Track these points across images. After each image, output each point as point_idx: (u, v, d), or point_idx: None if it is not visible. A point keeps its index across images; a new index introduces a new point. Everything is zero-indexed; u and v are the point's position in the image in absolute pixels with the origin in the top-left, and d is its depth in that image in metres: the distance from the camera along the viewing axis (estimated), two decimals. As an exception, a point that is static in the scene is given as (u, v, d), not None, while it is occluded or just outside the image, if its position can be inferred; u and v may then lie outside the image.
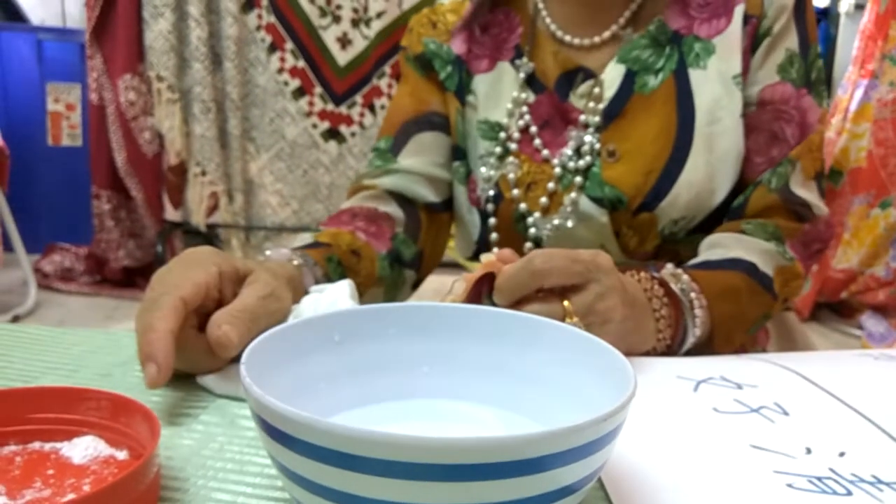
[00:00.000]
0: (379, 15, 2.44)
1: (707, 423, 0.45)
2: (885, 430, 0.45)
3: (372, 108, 2.53)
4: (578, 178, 0.72)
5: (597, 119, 0.72)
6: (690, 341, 0.61)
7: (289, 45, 2.46)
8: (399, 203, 0.78)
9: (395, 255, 0.75)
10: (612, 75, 0.72)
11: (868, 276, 2.47)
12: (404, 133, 0.80)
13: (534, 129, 0.74)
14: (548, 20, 0.76)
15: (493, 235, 0.76)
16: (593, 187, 0.71)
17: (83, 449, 0.38)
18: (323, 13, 2.44)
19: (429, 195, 0.79)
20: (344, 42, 2.47)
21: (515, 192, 0.74)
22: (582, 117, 0.73)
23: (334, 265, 0.66)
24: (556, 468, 0.28)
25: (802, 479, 0.39)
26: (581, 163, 0.72)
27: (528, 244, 0.75)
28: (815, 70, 0.74)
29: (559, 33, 0.75)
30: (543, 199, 0.73)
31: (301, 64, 2.48)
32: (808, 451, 0.42)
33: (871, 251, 2.45)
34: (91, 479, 0.36)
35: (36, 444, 0.39)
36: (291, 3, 2.43)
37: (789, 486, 0.38)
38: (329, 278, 0.64)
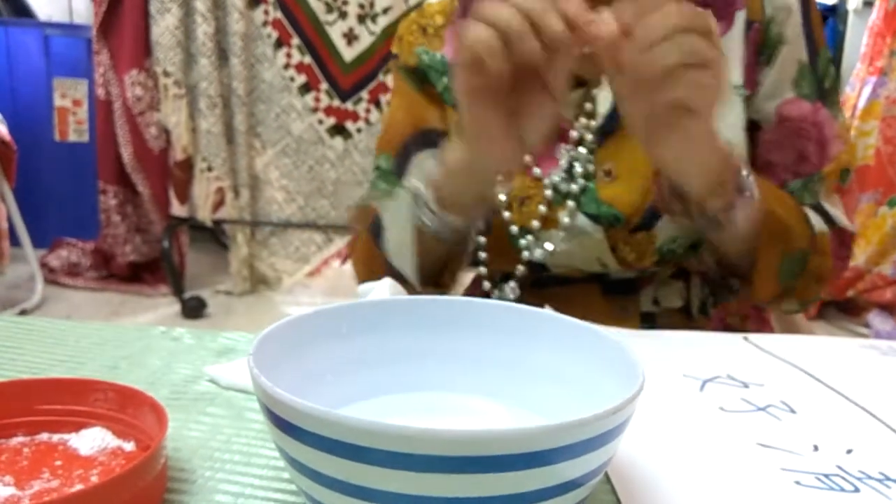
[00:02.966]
0: (385, 11, 2.44)
1: (714, 421, 0.45)
2: (892, 427, 0.45)
3: (378, 104, 2.52)
4: (571, 203, 0.69)
5: (590, 137, 0.70)
6: (747, 196, 0.60)
7: (295, 40, 2.46)
8: None
9: None
10: (607, 90, 0.69)
11: (875, 274, 2.46)
12: (405, 154, 0.78)
13: None
14: None
15: (483, 255, 0.74)
16: (589, 204, 0.69)
17: (91, 440, 0.39)
18: (329, 9, 2.44)
19: None
20: (350, 38, 2.47)
21: (507, 214, 0.72)
22: (573, 132, 0.70)
23: None
24: (563, 461, 0.28)
25: (810, 477, 0.39)
26: (574, 186, 0.69)
27: (520, 267, 0.72)
28: (827, 79, 0.71)
29: None
30: (535, 223, 0.70)
31: (307, 60, 2.47)
32: (816, 448, 0.42)
33: (878, 249, 2.44)
34: (99, 470, 0.37)
35: (44, 436, 0.40)
36: (298, -1, 2.43)
37: (797, 483, 0.38)
38: None
